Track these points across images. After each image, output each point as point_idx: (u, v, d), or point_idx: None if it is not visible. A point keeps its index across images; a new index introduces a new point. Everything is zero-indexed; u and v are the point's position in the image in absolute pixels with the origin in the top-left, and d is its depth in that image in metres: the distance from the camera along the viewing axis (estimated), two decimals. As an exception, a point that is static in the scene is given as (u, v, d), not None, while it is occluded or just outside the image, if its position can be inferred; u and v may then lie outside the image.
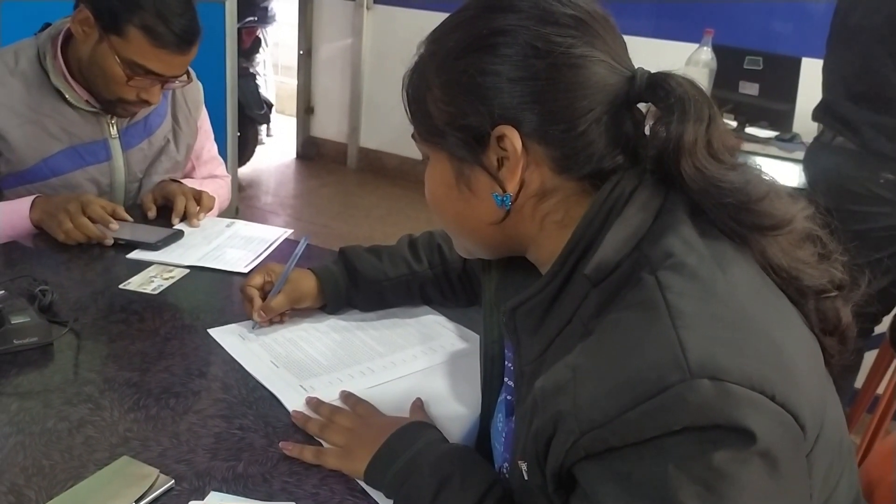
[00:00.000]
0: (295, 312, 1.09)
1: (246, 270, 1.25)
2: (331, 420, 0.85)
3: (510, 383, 0.77)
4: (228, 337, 1.03)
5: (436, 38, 0.69)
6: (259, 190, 4.30)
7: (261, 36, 4.48)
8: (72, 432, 0.81)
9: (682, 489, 0.50)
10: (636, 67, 0.65)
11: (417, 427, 0.80)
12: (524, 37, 0.62)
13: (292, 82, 5.03)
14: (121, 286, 1.16)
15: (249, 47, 4.34)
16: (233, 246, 1.35)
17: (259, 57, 4.53)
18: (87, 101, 1.38)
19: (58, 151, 1.37)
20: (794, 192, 0.64)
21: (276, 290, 1.04)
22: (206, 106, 1.66)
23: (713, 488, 0.50)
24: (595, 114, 0.62)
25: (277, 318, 1.07)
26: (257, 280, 1.06)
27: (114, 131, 1.44)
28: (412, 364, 1.00)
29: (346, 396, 0.90)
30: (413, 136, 0.72)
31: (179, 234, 1.36)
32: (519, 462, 0.63)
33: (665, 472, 0.51)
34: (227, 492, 0.74)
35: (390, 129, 4.54)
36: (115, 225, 1.30)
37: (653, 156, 0.63)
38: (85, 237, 1.28)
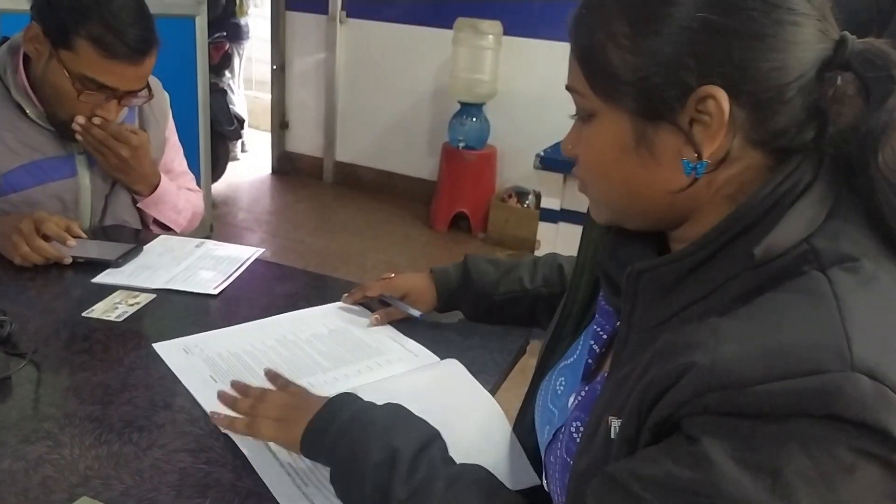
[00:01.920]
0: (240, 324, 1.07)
1: (215, 292, 1.22)
2: (263, 399, 0.82)
3: (595, 347, 0.73)
4: (172, 352, 1.01)
5: None
6: (234, 206, 4.25)
7: (231, 52, 4.45)
8: (28, 473, 0.77)
9: (794, 468, 0.47)
10: (842, 31, 0.58)
11: (354, 396, 0.79)
12: None
13: (267, 97, 4.99)
14: (84, 314, 1.12)
15: (218, 63, 4.31)
16: (203, 267, 1.31)
17: (230, 72, 4.49)
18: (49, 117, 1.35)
19: (17, 166, 1.33)
20: None
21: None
22: (176, 122, 1.62)
23: (829, 478, 0.47)
24: (804, 80, 0.56)
25: (378, 317, 1.13)
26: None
27: (79, 147, 1.40)
28: (354, 379, 0.98)
29: (275, 377, 0.88)
30: (570, 88, 0.64)
31: (138, 250, 1.34)
32: (610, 418, 0.59)
33: (786, 449, 0.47)
34: (193, 531, 0.71)
35: (366, 143, 4.52)
36: (72, 242, 1.26)
37: (840, 136, 0.57)
38: (42, 259, 1.24)
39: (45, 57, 1.27)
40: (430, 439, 0.73)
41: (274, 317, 1.15)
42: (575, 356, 0.78)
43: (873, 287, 0.52)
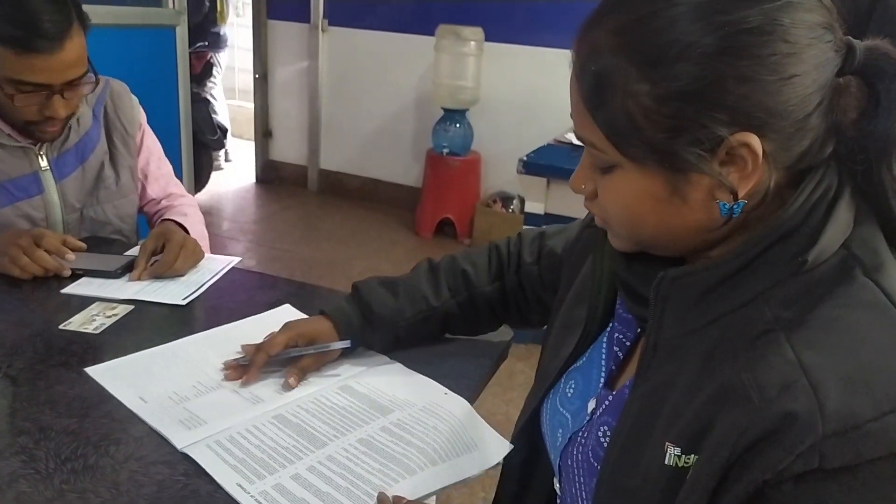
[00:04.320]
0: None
1: (184, 303, 1.20)
2: None
3: (619, 353, 0.73)
4: (109, 376, 0.97)
5: (632, 35, 0.56)
6: (218, 216, 4.23)
7: (213, 61, 4.44)
8: (1, 489, 0.76)
9: None
10: (845, 37, 0.56)
11: None
12: (777, 34, 0.52)
13: (250, 106, 4.98)
14: (61, 326, 1.10)
15: (201, 72, 4.29)
16: (174, 277, 1.29)
17: (212, 82, 4.47)
18: (9, 135, 1.32)
19: None
20: None
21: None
22: (158, 133, 1.60)
23: None
24: (825, 102, 0.55)
25: (294, 378, 0.96)
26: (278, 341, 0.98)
27: (44, 163, 1.37)
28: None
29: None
30: (584, 140, 0.62)
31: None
32: (667, 444, 0.58)
33: None
34: (170, 544, 0.70)
35: (350, 151, 4.52)
36: (71, 256, 1.26)
37: (854, 144, 0.56)
38: (42, 270, 1.23)
39: None
40: None
41: (222, 326, 1.13)
42: (584, 360, 0.78)
43: None
